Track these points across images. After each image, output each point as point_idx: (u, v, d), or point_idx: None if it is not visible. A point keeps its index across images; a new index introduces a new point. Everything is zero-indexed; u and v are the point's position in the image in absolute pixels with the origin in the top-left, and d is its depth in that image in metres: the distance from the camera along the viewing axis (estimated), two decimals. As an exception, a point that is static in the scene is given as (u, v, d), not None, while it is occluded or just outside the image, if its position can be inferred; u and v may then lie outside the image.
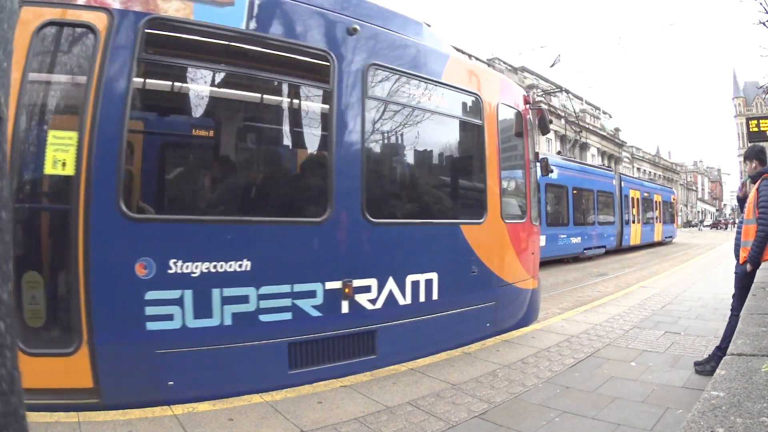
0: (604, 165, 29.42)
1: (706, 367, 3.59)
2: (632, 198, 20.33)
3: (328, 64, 3.53)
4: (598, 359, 4.07)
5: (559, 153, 25.18)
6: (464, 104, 4.63)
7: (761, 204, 3.42)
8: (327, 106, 3.56)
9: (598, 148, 42.93)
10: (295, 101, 3.62)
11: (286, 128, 3.66)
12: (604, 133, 44.91)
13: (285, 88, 3.53)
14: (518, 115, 5.22)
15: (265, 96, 3.52)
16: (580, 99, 40.42)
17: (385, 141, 4.12)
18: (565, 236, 14.70)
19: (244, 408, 2.92)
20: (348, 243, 3.60)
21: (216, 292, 2.98)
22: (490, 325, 4.67)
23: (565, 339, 4.73)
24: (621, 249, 18.86)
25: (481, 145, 4.64)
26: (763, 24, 9.64)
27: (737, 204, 4.34)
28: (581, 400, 3.18)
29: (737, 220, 4.19)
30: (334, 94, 3.53)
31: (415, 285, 3.95)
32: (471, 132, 4.69)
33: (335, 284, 3.46)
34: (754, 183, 3.63)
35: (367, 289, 3.64)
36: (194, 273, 2.91)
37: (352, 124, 3.63)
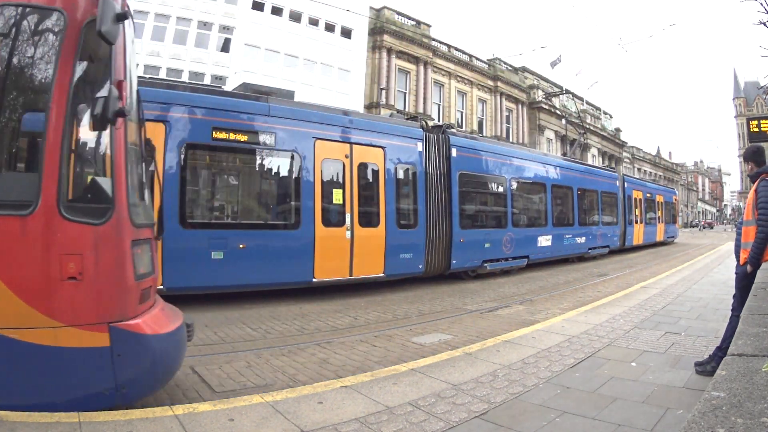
0: (605, 165, 29.43)
1: (707, 367, 3.59)
2: (635, 199, 20.36)
3: None
4: (599, 359, 4.07)
5: (564, 155, 25.20)
6: None
7: (760, 205, 3.42)
8: None
9: (598, 149, 42.94)
10: None
11: None
12: (605, 134, 44.92)
13: None
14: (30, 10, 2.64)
15: None
16: (581, 99, 40.43)
17: None
18: (571, 236, 14.71)
19: (245, 408, 2.92)
20: None
21: None
22: None
23: (565, 339, 4.72)
24: (624, 249, 18.87)
25: None
26: (763, 24, 9.63)
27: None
28: (582, 400, 3.18)
29: (737, 221, 4.19)
30: None
31: None
32: None
33: None
34: (753, 183, 3.63)
35: None
36: None
37: None
